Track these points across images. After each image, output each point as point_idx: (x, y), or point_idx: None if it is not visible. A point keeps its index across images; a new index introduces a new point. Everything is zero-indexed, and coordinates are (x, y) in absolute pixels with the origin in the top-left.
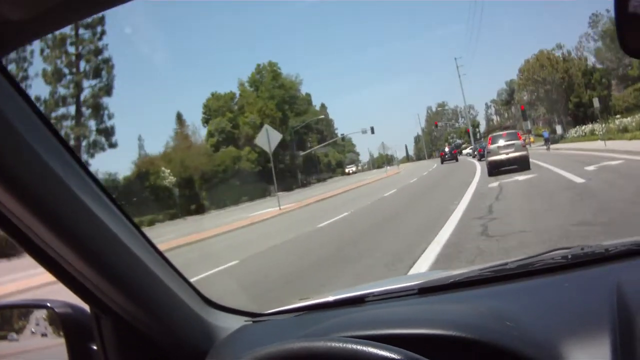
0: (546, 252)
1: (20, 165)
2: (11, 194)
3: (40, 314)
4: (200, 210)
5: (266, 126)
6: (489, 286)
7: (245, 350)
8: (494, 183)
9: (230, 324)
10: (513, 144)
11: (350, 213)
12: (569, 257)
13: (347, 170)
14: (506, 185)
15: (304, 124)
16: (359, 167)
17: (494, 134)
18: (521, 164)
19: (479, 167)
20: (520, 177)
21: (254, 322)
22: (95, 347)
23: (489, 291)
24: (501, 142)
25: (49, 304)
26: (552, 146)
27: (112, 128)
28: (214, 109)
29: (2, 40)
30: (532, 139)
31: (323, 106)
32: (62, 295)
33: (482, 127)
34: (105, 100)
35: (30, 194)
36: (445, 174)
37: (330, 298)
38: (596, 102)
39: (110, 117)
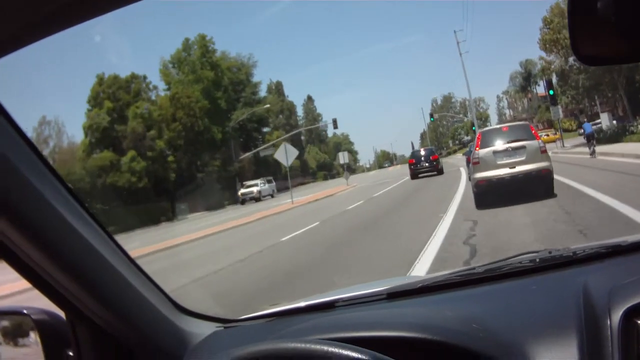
0: (514, 256)
1: None
2: None
3: (17, 320)
4: None
5: (285, 143)
6: (457, 290)
7: (218, 355)
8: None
9: (203, 330)
10: (523, 148)
11: None
12: (537, 260)
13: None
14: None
15: (243, 117)
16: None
17: (487, 128)
18: (539, 187)
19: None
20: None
21: (225, 327)
22: (71, 354)
23: (457, 295)
24: (500, 145)
25: (25, 311)
26: (598, 149)
27: None
28: (100, 98)
29: None
30: (558, 134)
31: (277, 89)
32: (39, 302)
33: (494, 122)
34: None
35: (3, 202)
36: (383, 210)
37: (301, 304)
38: None
39: None
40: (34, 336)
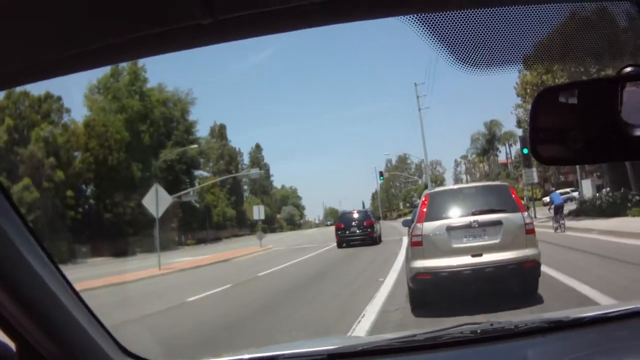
0: (456, 326)
1: None
2: None
3: None
4: None
5: (156, 186)
6: (396, 356)
7: None
8: None
9: None
10: (498, 224)
11: None
12: (478, 331)
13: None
14: None
15: (170, 157)
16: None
17: (439, 189)
18: (523, 283)
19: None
20: None
21: None
22: None
23: None
24: (460, 217)
25: None
26: (571, 223)
27: None
28: (2, 114)
29: None
30: (524, 202)
31: (220, 132)
32: None
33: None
34: None
35: None
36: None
37: (243, 356)
38: None
39: None
40: None
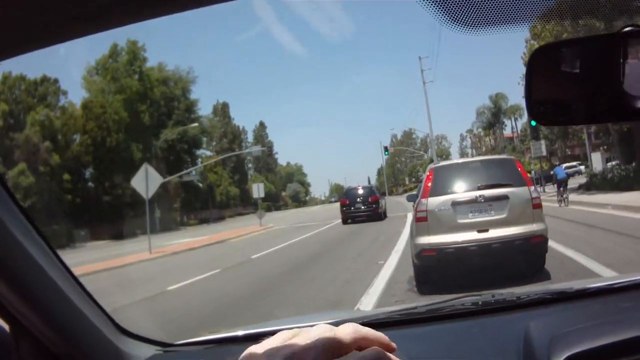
0: (457, 297)
1: None
2: None
3: None
4: None
5: (145, 165)
6: (397, 328)
7: None
8: None
9: (142, 352)
10: (504, 199)
11: None
12: (480, 303)
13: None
14: None
15: (171, 136)
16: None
17: (444, 163)
18: (524, 262)
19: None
20: None
21: (164, 352)
22: None
23: (397, 333)
24: (465, 191)
25: None
26: (576, 197)
27: None
28: None
29: None
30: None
31: (223, 111)
32: None
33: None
34: None
35: None
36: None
37: (240, 332)
38: None
39: None
40: None
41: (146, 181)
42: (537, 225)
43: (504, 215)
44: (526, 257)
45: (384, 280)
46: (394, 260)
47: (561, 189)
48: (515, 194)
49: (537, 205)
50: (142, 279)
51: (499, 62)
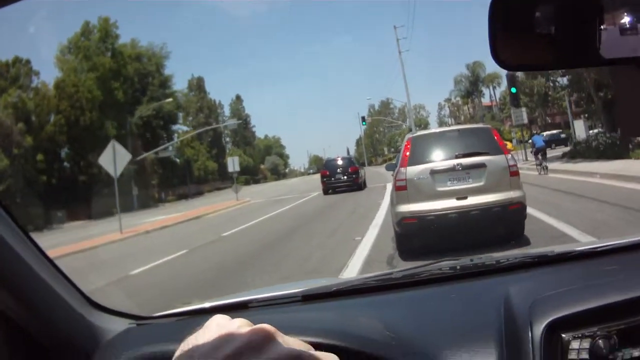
0: (434, 262)
1: None
2: None
3: None
4: None
5: (113, 142)
6: (372, 295)
7: (129, 351)
8: None
9: (115, 326)
10: (482, 167)
11: None
12: (458, 267)
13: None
14: None
15: (146, 112)
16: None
17: (422, 132)
18: (502, 229)
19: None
20: None
21: (137, 325)
22: None
23: (372, 300)
24: (443, 160)
25: None
26: (560, 166)
27: None
28: None
29: None
30: (509, 145)
31: (199, 85)
32: None
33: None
34: None
35: None
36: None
37: (214, 303)
38: None
39: None
40: None
41: (114, 159)
42: (514, 193)
43: (481, 183)
44: (505, 224)
45: (360, 259)
46: (373, 235)
47: (539, 156)
48: (492, 162)
49: (514, 173)
50: (107, 263)
51: (475, 31)
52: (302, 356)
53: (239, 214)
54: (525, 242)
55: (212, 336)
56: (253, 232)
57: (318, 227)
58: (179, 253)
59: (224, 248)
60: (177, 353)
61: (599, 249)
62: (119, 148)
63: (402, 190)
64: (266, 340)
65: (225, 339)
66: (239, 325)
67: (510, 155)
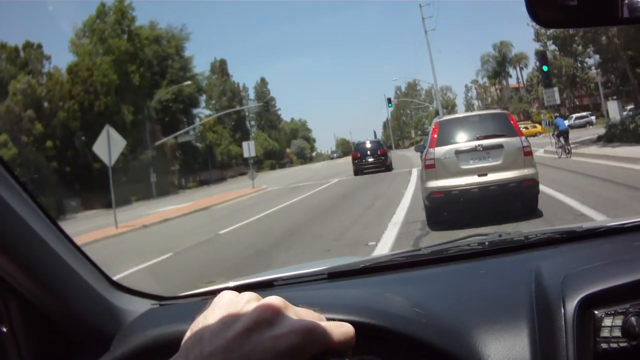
0: (462, 238)
1: None
2: None
3: None
4: None
5: (107, 127)
6: (400, 272)
7: (152, 331)
8: None
9: (137, 307)
10: (499, 147)
11: None
12: (486, 243)
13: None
14: None
15: (165, 96)
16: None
17: (447, 117)
18: (522, 200)
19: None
20: None
21: (160, 305)
22: (4, 330)
23: (400, 277)
24: (466, 142)
25: None
26: (606, 150)
27: None
28: None
29: None
30: (539, 127)
31: (221, 68)
32: None
33: (462, 112)
34: None
35: None
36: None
37: (238, 282)
38: None
39: None
40: None
41: (108, 146)
42: (528, 170)
43: (499, 162)
44: (520, 198)
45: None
46: (391, 237)
47: (561, 139)
48: (508, 143)
49: (528, 153)
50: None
51: (501, 8)
52: (315, 328)
53: (250, 205)
54: (538, 215)
55: (222, 313)
56: (253, 229)
57: (327, 226)
58: (162, 257)
59: (216, 250)
60: (187, 334)
61: (627, 225)
62: (114, 134)
63: (431, 168)
64: (276, 314)
65: (235, 316)
66: (248, 300)
67: (524, 137)
